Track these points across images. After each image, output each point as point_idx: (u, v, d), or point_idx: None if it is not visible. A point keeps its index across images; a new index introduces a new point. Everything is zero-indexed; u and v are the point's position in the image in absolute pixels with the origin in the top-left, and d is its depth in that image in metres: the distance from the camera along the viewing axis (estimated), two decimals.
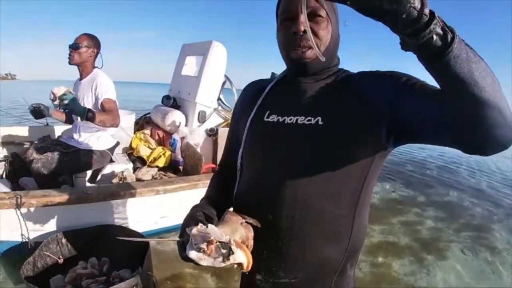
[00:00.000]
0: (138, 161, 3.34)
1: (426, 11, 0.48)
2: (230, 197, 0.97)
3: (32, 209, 2.12)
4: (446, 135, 0.68)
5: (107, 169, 2.87)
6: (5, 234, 2.15)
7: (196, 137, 3.32)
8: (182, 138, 3.41)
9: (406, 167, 7.30)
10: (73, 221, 2.25)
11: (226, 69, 3.61)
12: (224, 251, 0.65)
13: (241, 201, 0.93)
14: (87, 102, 2.48)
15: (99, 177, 2.86)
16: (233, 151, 1.00)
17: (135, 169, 3.12)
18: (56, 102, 2.14)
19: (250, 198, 0.89)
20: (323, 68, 0.88)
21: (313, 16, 0.80)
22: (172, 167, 3.37)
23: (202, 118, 3.49)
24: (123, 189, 2.40)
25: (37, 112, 2.33)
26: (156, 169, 3.16)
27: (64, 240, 2.14)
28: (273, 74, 3.89)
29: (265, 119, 0.90)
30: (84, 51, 2.49)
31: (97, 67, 2.63)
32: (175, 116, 3.53)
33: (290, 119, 0.85)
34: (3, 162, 2.83)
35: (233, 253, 0.66)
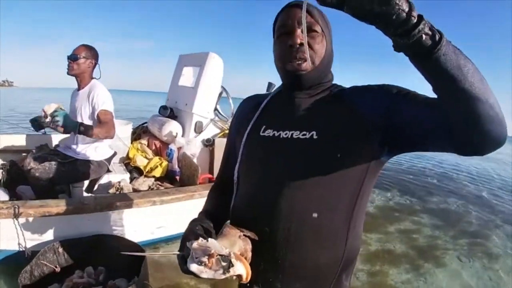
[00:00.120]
0: (135, 171, 3.34)
1: (414, 13, 0.53)
2: (228, 210, 0.98)
3: (29, 219, 2.14)
4: (442, 136, 0.70)
5: (104, 179, 2.89)
6: (3, 243, 2.16)
7: (193, 147, 3.35)
8: (179, 148, 3.43)
9: (403, 175, 7.35)
10: (70, 231, 2.27)
11: (223, 78, 3.63)
12: (224, 263, 0.67)
13: (238, 214, 0.95)
14: (84, 113, 2.51)
15: (96, 187, 2.87)
16: (230, 165, 1.02)
17: (132, 179, 3.13)
18: (48, 119, 2.17)
19: (247, 211, 0.91)
20: (318, 82, 0.91)
21: (308, 30, 0.84)
22: (168, 177, 3.39)
23: (198, 128, 3.52)
24: (120, 200, 2.42)
25: (37, 123, 2.36)
26: (152, 179, 3.17)
27: (61, 250, 2.16)
28: (269, 84, 3.95)
29: (261, 134, 0.92)
30: (82, 62, 2.52)
31: (95, 78, 2.65)
32: (172, 126, 3.55)
33: (286, 134, 0.87)
34: (0, 170, 2.83)
35: (233, 265, 0.68)
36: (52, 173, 2.44)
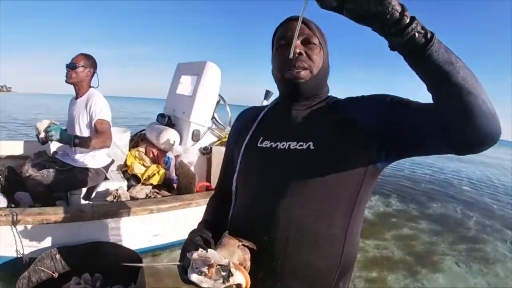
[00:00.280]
0: (133, 179, 3.36)
1: (407, 14, 0.58)
2: (226, 220, 1.00)
3: (27, 226, 2.15)
4: (438, 137, 0.72)
5: (102, 187, 2.90)
6: (1, 249, 2.17)
7: (190, 155, 3.38)
8: (176, 157, 3.46)
9: (401, 181, 7.36)
10: (68, 238, 2.27)
11: (220, 86, 3.67)
12: (224, 273, 0.69)
13: (236, 224, 0.96)
14: (82, 121, 2.53)
15: (93, 194, 2.88)
16: (228, 175, 1.04)
17: (129, 187, 3.14)
18: (42, 135, 2.21)
19: (245, 221, 0.92)
20: (315, 93, 0.94)
21: (307, 42, 0.88)
22: (166, 185, 3.40)
23: (196, 136, 3.55)
24: (117, 208, 2.44)
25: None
26: (150, 187, 3.19)
27: (58, 256, 2.17)
28: (267, 92, 3.99)
29: (259, 145, 0.94)
30: (81, 70, 2.53)
31: (93, 87, 2.67)
32: (170, 134, 3.58)
33: (283, 145, 0.89)
34: None
35: (232, 275, 0.69)
36: (50, 181, 2.46)
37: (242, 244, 0.80)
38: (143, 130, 4.30)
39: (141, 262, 2.10)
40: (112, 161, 2.91)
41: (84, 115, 2.53)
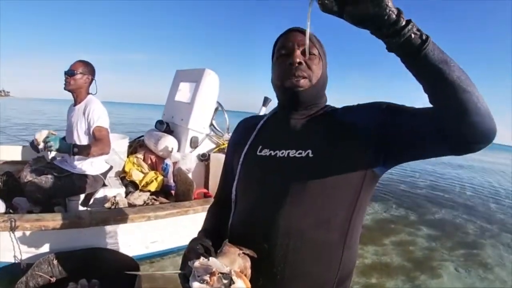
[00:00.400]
0: (131, 185, 3.36)
1: (403, 16, 0.61)
2: (226, 228, 1.01)
3: (25, 232, 2.16)
4: (436, 138, 0.74)
5: (100, 193, 2.90)
6: None
7: (188, 162, 3.39)
8: (175, 163, 3.46)
9: (399, 186, 7.37)
10: (66, 244, 2.28)
11: (218, 93, 3.69)
12: (225, 281, 0.70)
13: (236, 231, 0.97)
14: (80, 128, 2.54)
15: (92, 201, 2.88)
16: (228, 184, 1.05)
17: (127, 193, 3.15)
18: (41, 146, 2.24)
19: (245, 228, 0.93)
20: (314, 102, 0.95)
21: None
22: (164, 192, 3.41)
23: (194, 143, 3.56)
24: (115, 215, 2.45)
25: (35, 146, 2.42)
26: (148, 193, 3.20)
27: (55, 262, 2.17)
28: (265, 98, 4.02)
29: (258, 153, 0.95)
30: (79, 77, 2.55)
31: (91, 94, 2.68)
32: (168, 141, 3.59)
33: (282, 153, 0.90)
34: None
35: (233, 282, 0.71)
36: (49, 187, 2.47)
37: (243, 252, 0.81)
38: (142, 136, 4.30)
39: (138, 268, 2.11)
40: (111, 168, 2.92)
41: (83, 122, 2.54)
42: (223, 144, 3.69)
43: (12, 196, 2.75)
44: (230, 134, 3.91)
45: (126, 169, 3.57)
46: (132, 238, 2.60)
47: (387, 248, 3.96)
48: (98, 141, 2.43)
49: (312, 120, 0.95)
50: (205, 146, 3.68)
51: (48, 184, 2.47)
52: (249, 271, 0.80)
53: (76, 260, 2.24)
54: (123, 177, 3.54)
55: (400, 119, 0.81)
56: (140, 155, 3.83)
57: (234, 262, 0.77)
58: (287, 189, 0.86)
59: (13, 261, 2.18)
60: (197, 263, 0.73)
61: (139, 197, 3.05)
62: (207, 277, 0.70)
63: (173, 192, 3.37)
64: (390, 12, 0.60)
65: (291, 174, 0.87)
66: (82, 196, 2.85)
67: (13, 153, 3.62)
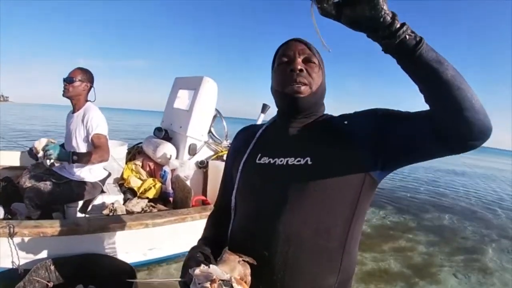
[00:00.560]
0: (129, 192, 3.37)
1: (397, 18, 0.65)
2: (226, 236, 1.01)
3: (24, 238, 2.17)
4: (433, 139, 0.75)
5: (98, 200, 2.91)
6: None
7: (187, 169, 3.40)
8: (173, 170, 3.47)
9: (397, 192, 7.36)
10: (64, 251, 2.29)
11: (217, 100, 3.71)
12: None
13: (236, 239, 0.97)
14: (79, 136, 2.56)
15: (90, 207, 2.88)
16: (227, 192, 1.05)
17: (125, 200, 3.15)
18: (40, 154, 2.26)
19: (245, 236, 0.93)
20: (312, 110, 0.97)
21: (307, 61, 0.94)
22: (162, 199, 3.41)
23: (192, 150, 3.57)
24: (113, 222, 2.46)
25: (33, 153, 2.44)
26: (146, 200, 3.20)
27: (52, 267, 2.19)
28: (264, 105, 4.04)
29: (257, 161, 0.96)
30: (78, 85, 2.56)
31: (89, 101, 2.70)
32: (166, 148, 3.60)
33: (281, 161, 0.91)
34: None
35: None
36: (47, 194, 2.48)
37: (243, 259, 0.82)
38: (140, 143, 4.31)
39: (135, 275, 2.11)
40: (109, 174, 2.93)
41: (81, 129, 2.55)
42: (222, 151, 3.71)
43: (10, 201, 2.76)
44: (229, 141, 3.94)
45: (125, 176, 3.58)
46: (130, 245, 2.60)
47: (385, 254, 3.95)
48: (97, 149, 2.45)
49: (311, 128, 0.96)
50: (204, 153, 3.69)
51: (47, 190, 2.48)
52: (249, 278, 0.81)
53: (73, 265, 2.25)
54: (122, 183, 3.55)
55: (395, 123, 0.83)
56: (139, 162, 3.84)
57: (234, 270, 0.78)
58: (286, 196, 0.87)
59: (10, 266, 2.18)
60: (197, 271, 0.73)
61: (137, 204, 3.05)
62: (207, 285, 0.71)
63: (171, 199, 3.37)
64: (386, 14, 0.63)
65: (290, 181, 0.88)
66: (80, 203, 2.85)
67: (12, 158, 3.63)
